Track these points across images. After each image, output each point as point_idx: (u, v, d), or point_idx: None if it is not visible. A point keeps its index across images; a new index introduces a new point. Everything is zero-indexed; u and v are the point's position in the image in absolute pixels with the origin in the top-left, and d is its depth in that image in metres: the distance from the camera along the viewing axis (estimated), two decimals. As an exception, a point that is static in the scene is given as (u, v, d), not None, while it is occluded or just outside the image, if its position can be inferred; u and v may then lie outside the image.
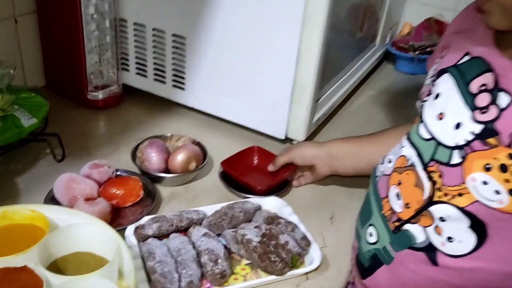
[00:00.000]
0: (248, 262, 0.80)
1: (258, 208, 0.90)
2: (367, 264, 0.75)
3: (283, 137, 1.11)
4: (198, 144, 1.02)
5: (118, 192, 0.87)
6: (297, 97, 1.05)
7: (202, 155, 1.00)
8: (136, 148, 0.99)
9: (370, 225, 0.76)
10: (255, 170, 1.03)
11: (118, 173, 0.95)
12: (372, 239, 0.75)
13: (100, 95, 1.18)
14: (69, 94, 1.21)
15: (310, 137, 1.14)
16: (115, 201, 0.86)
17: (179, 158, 0.94)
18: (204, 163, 0.98)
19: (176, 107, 1.23)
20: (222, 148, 1.10)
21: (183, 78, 1.15)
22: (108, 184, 0.88)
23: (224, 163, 0.99)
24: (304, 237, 0.82)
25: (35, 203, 0.86)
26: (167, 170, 0.96)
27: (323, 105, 1.17)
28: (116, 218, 0.86)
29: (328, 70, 1.13)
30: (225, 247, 0.81)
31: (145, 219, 0.83)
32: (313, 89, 1.04)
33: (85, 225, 0.74)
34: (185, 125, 1.18)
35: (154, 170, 0.94)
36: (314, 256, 0.80)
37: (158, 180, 0.95)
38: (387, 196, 0.73)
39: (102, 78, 1.19)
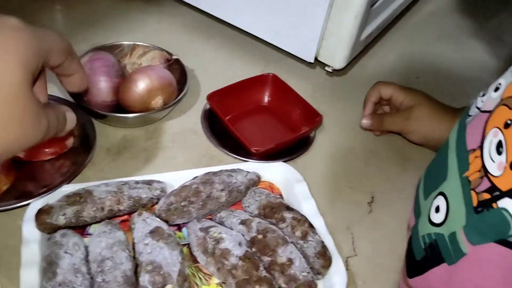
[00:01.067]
0: (220, 281, 0.48)
1: (254, 182, 0.56)
2: (420, 255, 0.44)
3: (311, 60, 0.72)
4: (175, 62, 0.66)
5: (30, 138, 0.53)
6: (339, -3, 0.65)
7: (179, 82, 0.64)
8: None
9: (440, 194, 0.43)
10: (262, 113, 0.66)
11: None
12: (438, 217, 0.42)
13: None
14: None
15: (351, 63, 0.75)
16: (22, 152, 0.53)
17: (136, 89, 0.58)
18: (178, 99, 0.63)
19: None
20: (215, 71, 0.74)
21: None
22: (13, 124, 0.54)
23: (213, 98, 0.63)
24: (322, 251, 0.48)
25: None
26: (117, 104, 0.61)
27: (378, 13, 0.76)
28: (22, 181, 0.53)
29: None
30: (188, 247, 0.49)
31: (60, 193, 0.50)
32: (368, -14, 0.63)
33: None
34: (168, 26, 0.81)
35: (97, 104, 0.59)
36: (334, 281, 0.47)
37: (100, 117, 0.61)
38: (480, 147, 0.39)
39: None
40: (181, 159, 0.61)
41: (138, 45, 0.66)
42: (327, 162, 0.63)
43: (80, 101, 0.59)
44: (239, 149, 0.60)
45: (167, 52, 0.66)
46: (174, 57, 0.65)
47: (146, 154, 0.60)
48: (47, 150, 0.54)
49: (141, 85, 0.57)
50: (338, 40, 0.69)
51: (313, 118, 0.61)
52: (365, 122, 0.65)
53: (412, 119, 0.62)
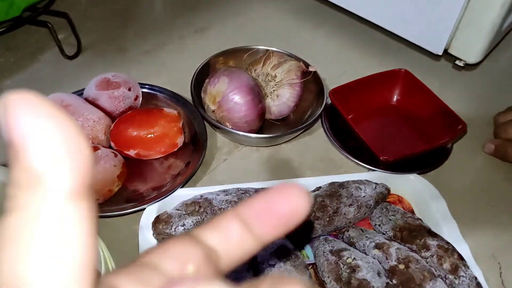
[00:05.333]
0: (354, 312, 0.42)
1: (384, 196, 0.49)
2: None
3: (440, 52, 0.64)
4: (314, 74, 0.58)
5: (140, 134, 0.49)
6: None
7: (314, 92, 0.58)
8: (197, 77, 0.56)
9: None
10: (390, 114, 0.59)
11: (149, 91, 0.57)
12: None
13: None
14: None
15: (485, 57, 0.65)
16: (133, 151, 0.50)
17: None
18: (314, 119, 0.56)
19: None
20: (326, 62, 0.67)
21: None
22: (124, 120, 0.50)
23: (336, 94, 0.56)
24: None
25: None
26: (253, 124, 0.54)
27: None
28: (133, 180, 0.50)
29: None
30: (313, 267, 0.44)
31: (174, 199, 0.46)
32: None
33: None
34: (274, 10, 0.74)
35: (244, 129, 0.53)
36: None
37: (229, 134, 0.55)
38: None
39: None
40: (296, 163, 0.55)
41: (273, 52, 0.58)
42: (463, 175, 0.54)
43: (197, 102, 0.54)
44: (363, 154, 0.53)
45: (304, 62, 0.58)
46: (311, 69, 0.58)
47: (258, 155, 0.55)
48: (157, 148, 0.50)
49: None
50: (476, 31, 0.60)
51: (455, 125, 0.52)
52: (488, 146, 0.56)
53: None
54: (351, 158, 0.53)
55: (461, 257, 0.42)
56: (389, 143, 0.55)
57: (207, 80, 0.53)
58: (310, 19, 0.73)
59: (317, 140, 0.57)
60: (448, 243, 0.43)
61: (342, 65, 0.67)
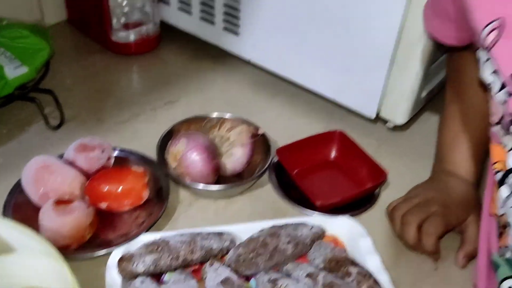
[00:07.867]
0: (290, 334, 0.49)
1: (319, 235, 0.57)
2: None
3: (373, 116, 0.74)
4: (262, 136, 0.69)
5: (111, 189, 0.58)
6: (402, 55, 0.67)
7: (263, 153, 0.68)
8: (162, 141, 0.66)
9: None
10: (328, 169, 0.68)
11: (120, 154, 0.66)
12: None
13: (131, 35, 0.89)
14: (92, 32, 0.92)
15: (413, 118, 0.76)
16: (104, 203, 0.58)
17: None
18: (262, 171, 0.65)
19: (227, 58, 0.90)
20: (279, 127, 0.77)
21: (237, 18, 0.82)
22: (97, 177, 0.59)
23: (281, 152, 0.66)
24: (389, 309, 0.48)
25: (7, 186, 0.61)
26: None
27: (439, 71, 0.78)
28: (104, 229, 0.58)
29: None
30: (258, 299, 0.51)
31: (138, 243, 0.54)
32: (429, 45, 0.65)
33: (25, 257, 0.47)
34: (235, 84, 0.86)
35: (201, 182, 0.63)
36: None
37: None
38: None
39: (133, 13, 0.88)
40: (248, 211, 0.63)
41: (226, 119, 0.70)
42: (385, 219, 0.63)
43: (161, 161, 0.63)
44: (305, 202, 0.62)
45: (254, 126, 0.69)
46: (260, 131, 0.68)
47: (215, 206, 0.64)
48: (125, 201, 0.59)
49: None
50: (399, 97, 0.71)
51: (378, 174, 0.62)
52: (462, 261, 0.58)
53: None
54: (294, 205, 0.62)
55: (376, 282, 0.50)
56: (327, 192, 0.64)
57: (169, 142, 0.63)
58: (266, 91, 0.85)
59: (266, 192, 0.66)
60: (367, 271, 0.51)
61: (293, 129, 0.77)
